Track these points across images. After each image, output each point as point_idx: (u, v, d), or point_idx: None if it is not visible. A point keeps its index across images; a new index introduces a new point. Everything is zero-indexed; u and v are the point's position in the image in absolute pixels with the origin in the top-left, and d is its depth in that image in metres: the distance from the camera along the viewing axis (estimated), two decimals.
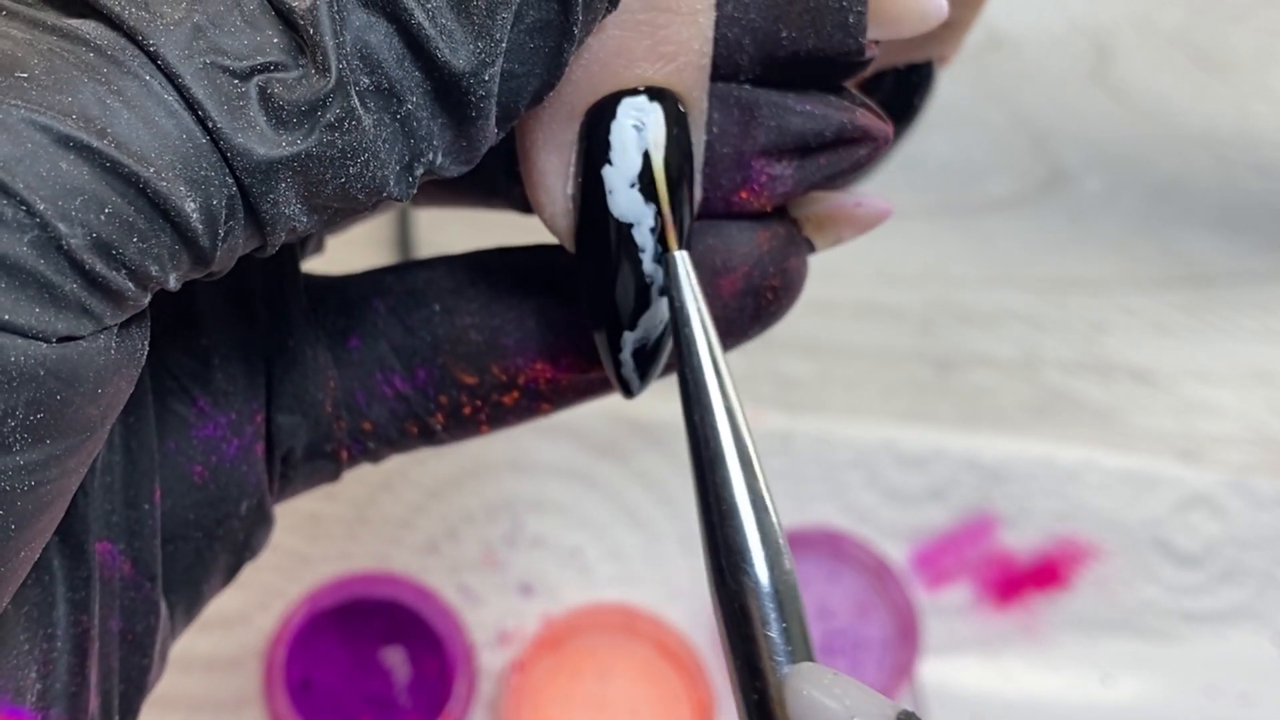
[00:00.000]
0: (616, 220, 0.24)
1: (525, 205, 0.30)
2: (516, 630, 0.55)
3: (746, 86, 0.26)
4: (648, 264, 0.24)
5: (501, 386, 0.27)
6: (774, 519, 0.23)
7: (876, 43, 0.26)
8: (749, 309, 0.27)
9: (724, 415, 0.24)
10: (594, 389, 0.28)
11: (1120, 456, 0.58)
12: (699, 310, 0.24)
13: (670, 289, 0.25)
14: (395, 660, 0.53)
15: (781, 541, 0.23)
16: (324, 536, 0.55)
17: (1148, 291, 0.65)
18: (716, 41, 0.25)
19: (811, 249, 0.28)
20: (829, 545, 0.57)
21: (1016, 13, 0.70)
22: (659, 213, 0.24)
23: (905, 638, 0.55)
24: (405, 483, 0.56)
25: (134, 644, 0.26)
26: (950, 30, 0.38)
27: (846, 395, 0.61)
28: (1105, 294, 0.65)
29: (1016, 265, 0.65)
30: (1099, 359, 0.63)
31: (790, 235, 0.27)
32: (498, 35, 0.22)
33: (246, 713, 0.53)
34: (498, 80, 0.22)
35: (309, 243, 0.30)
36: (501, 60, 0.22)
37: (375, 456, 0.29)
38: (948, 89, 0.51)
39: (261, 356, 0.27)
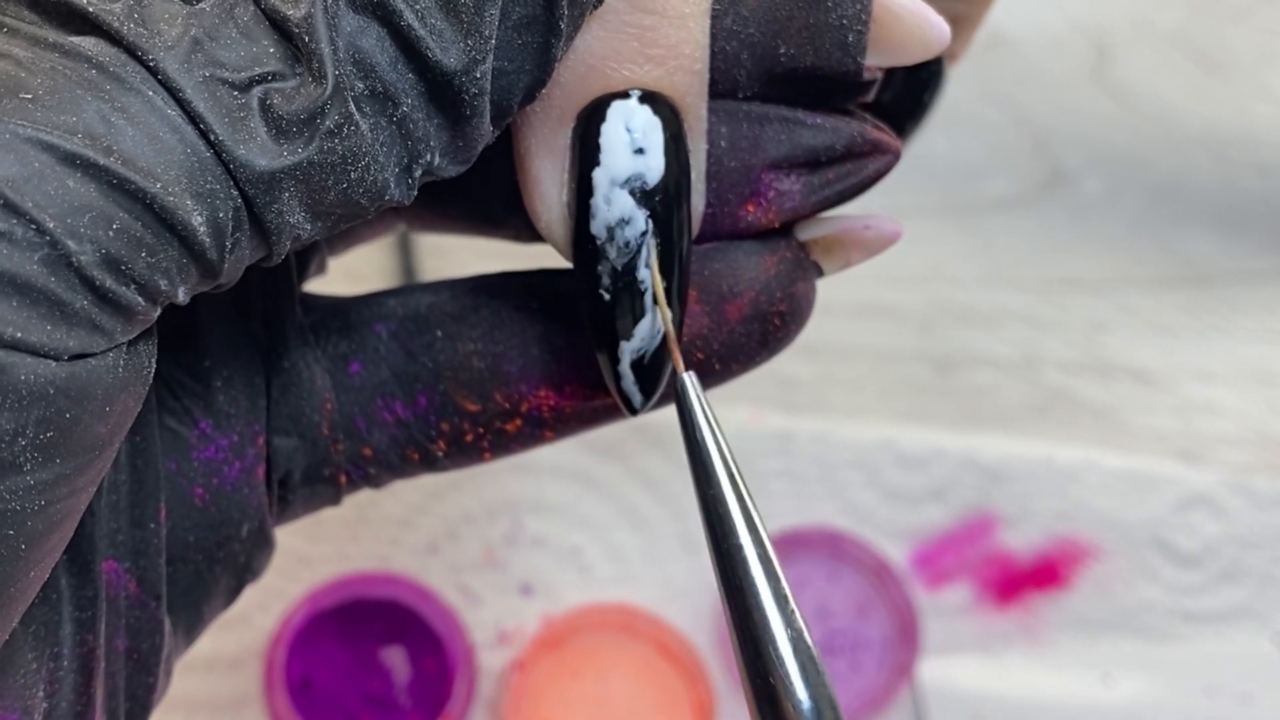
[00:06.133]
0: (606, 223, 0.24)
1: (524, 235, 0.30)
2: (516, 630, 0.55)
3: (756, 102, 0.26)
4: (640, 269, 0.24)
5: (504, 414, 0.27)
6: (806, 636, 0.23)
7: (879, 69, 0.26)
8: (756, 335, 0.27)
9: (750, 543, 0.23)
10: (598, 417, 0.28)
11: (1120, 456, 0.58)
12: (714, 434, 0.24)
13: (682, 411, 0.24)
14: (395, 660, 0.53)
15: (816, 657, 0.23)
16: (324, 536, 0.55)
17: (1148, 291, 0.65)
18: (715, 54, 0.25)
19: (819, 273, 0.27)
20: (829, 545, 0.57)
21: (1016, 13, 0.70)
22: (651, 216, 0.24)
23: (905, 638, 0.55)
24: (405, 483, 0.56)
25: (139, 663, 0.25)
26: (961, 27, 0.38)
27: (846, 395, 0.61)
28: (1105, 294, 0.65)
29: (1016, 265, 0.65)
30: (1099, 359, 0.63)
31: (797, 259, 0.27)
32: (486, 32, 0.22)
33: (246, 713, 0.53)
34: (489, 77, 0.22)
35: (310, 264, 0.30)
36: (492, 57, 0.22)
37: (376, 482, 0.28)
38: (948, 89, 0.51)
39: (263, 378, 0.27)
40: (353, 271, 0.60)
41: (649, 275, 0.24)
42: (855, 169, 0.26)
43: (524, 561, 0.56)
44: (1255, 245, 0.67)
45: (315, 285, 0.30)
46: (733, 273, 0.26)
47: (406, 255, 0.61)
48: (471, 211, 0.30)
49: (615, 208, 0.24)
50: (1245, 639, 0.57)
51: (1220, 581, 0.58)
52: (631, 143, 0.24)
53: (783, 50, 0.25)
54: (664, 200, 0.24)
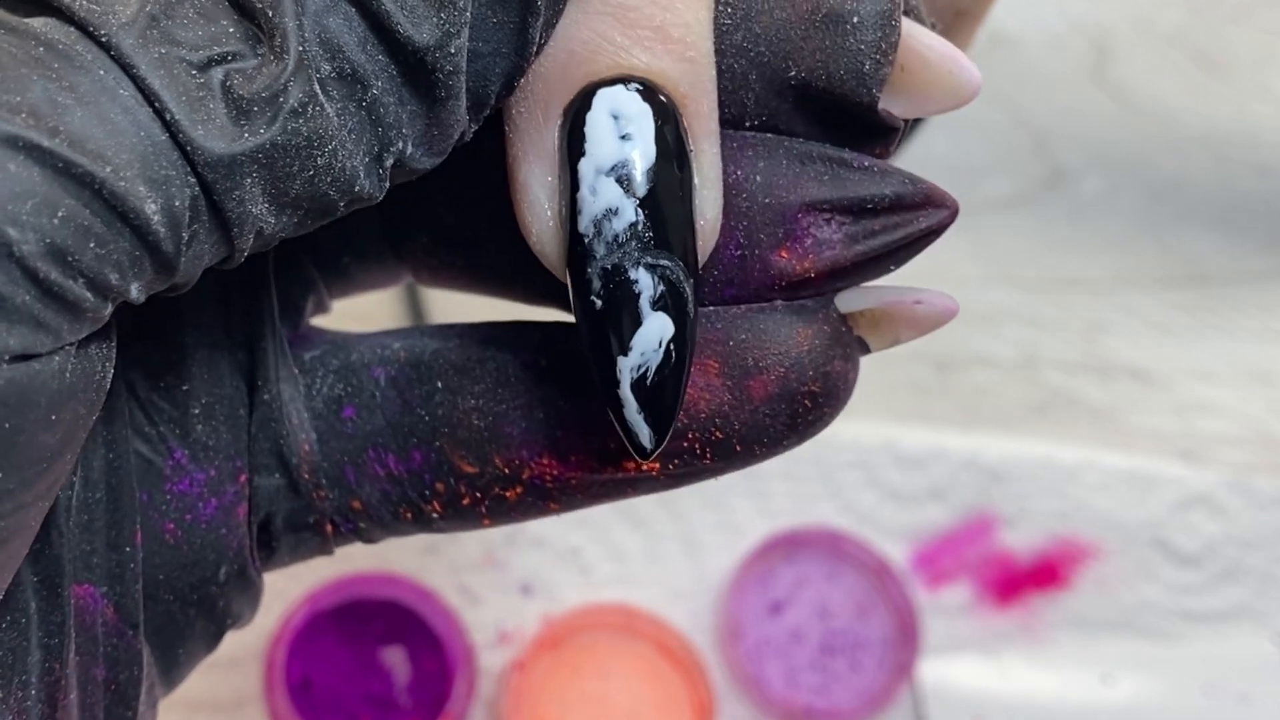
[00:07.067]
0: (593, 216, 0.22)
1: (532, 297, 0.27)
2: (516, 630, 0.55)
3: (799, 139, 0.23)
4: (631, 267, 0.22)
5: (504, 480, 0.25)
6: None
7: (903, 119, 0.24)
8: (782, 417, 0.24)
9: None
10: (607, 492, 0.25)
11: (1120, 456, 0.58)
12: None
13: None
14: (395, 660, 0.53)
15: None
16: None
17: (1148, 291, 0.65)
18: (723, 73, 0.23)
19: (865, 350, 0.25)
20: (829, 545, 0.57)
21: (1016, 13, 0.70)
22: (640, 206, 0.21)
23: (905, 638, 0.55)
24: None
25: (117, 694, 0.24)
26: (964, 21, 0.37)
27: None
28: (1105, 294, 0.65)
29: (1016, 265, 0.65)
30: (1099, 359, 0.63)
31: (836, 334, 0.24)
32: (461, 4, 0.20)
33: (246, 713, 0.53)
34: (464, 55, 0.21)
35: (306, 302, 0.28)
36: (466, 32, 0.21)
37: (367, 537, 0.26)
38: None
39: (246, 411, 0.25)
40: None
41: (643, 275, 0.22)
42: (904, 222, 0.23)
43: (524, 561, 0.56)
44: (1255, 245, 0.67)
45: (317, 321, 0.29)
46: (760, 344, 0.23)
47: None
48: (477, 267, 0.28)
49: (601, 198, 0.21)
50: (1245, 639, 0.57)
51: (1220, 581, 0.58)
52: (617, 128, 0.22)
53: (793, 73, 0.23)
54: (658, 190, 0.22)
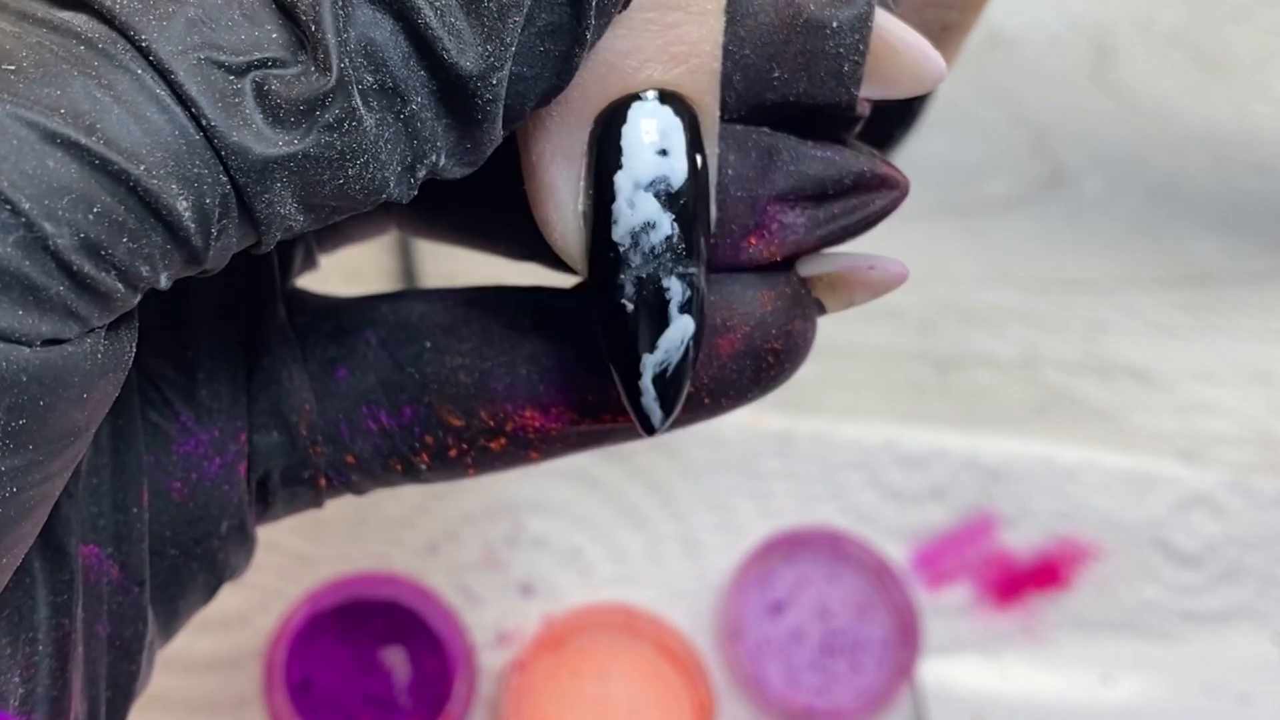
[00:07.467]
0: (630, 228, 0.23)
1: (515, 252, 0.29)
2: (516, 630, 0.55)
3: (765, 130, 0.25)
4: (665, 276, 0.23)
5: (489, 432, 0.26)
6: None
7: (868, 100, 0.25)
8: (748, 372, 0.26)
9: None
10: (585, 442, 0.27)
11: (1120, 456, 0.58)
12: None
13: None
14: (395, 660, 0.53)
15: None
16: (324, 536, 0.55)
17: (1148, 291, 0.65)
18: None
19: (822, 310, 0.27)
20: (829, 545, 0.57)
21: (1016, 13, 0.70)
22: (676, 220, 0.23)
23: (905, 638, 0.55)
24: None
25: (121, 650, 0.25)
26: (951, 34, 0.38)
27: (846, 395, 0.61)
28: (1105, 294, 0.65)
29: (1016, 265, 0.65)
30: (1099, 359, 0.63)
31: (796, 296, 0.26)
32: (508, 39, 0.21)
33: (246, 713, 0.53)
34: (505, 84, 0.21)
35: (295, 258, 0.29)
36: (510, 64, 0.21)
37: (358, 489, 0.28)
38: (948, 89, 0.51)
39: (245, 374, 0.26)
40: (353, 271, 0.60)
41: (673, 282, 0.23)
42: (862, 204, 0.25)
43: (524, 562, 0.56)
44: (1255, 245, 0.67)
45: (314, 283, 0.30)
46: (727, 306, 0.25)
47: (407, 256, 0.61)
48: (464, 225, 0.30)
49: (639, 212, 0.23)
50: (1245, 639, 0.57)
51: (1220, 581, 0.58)
52: (654, 144, 0.23)
53: (776, 74, 0.24)
54: (688, 203, 0.23)
